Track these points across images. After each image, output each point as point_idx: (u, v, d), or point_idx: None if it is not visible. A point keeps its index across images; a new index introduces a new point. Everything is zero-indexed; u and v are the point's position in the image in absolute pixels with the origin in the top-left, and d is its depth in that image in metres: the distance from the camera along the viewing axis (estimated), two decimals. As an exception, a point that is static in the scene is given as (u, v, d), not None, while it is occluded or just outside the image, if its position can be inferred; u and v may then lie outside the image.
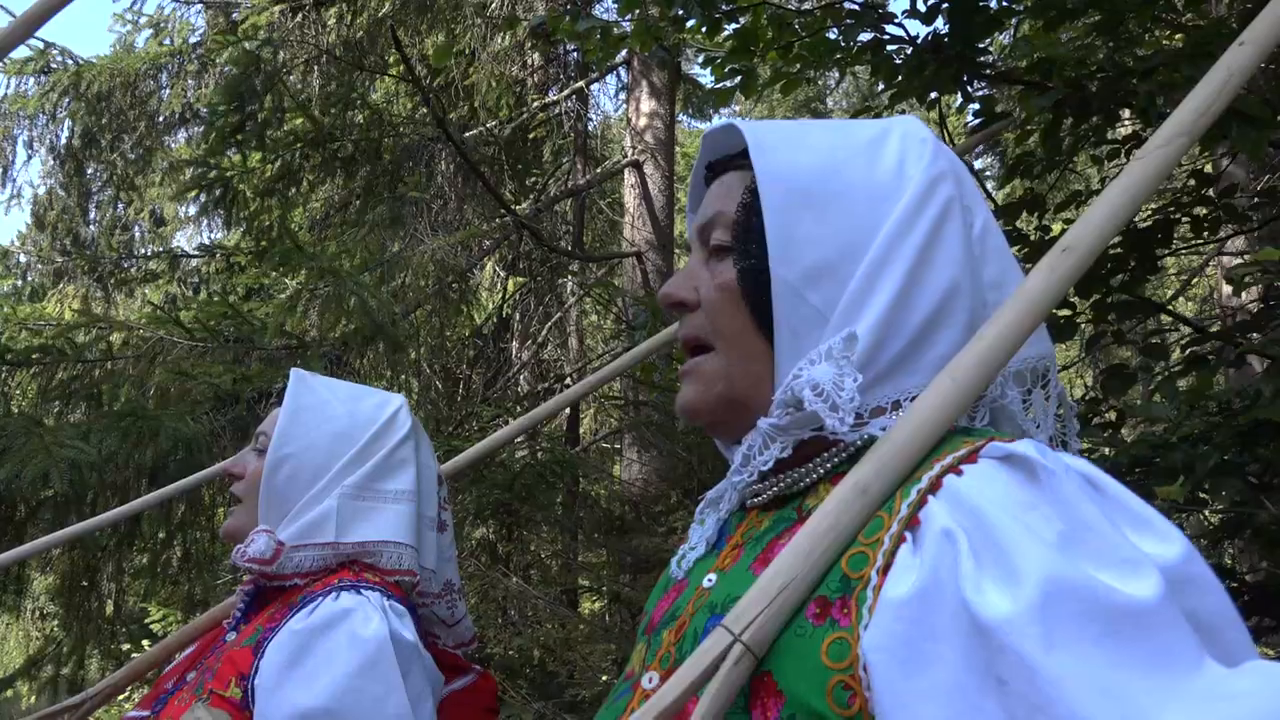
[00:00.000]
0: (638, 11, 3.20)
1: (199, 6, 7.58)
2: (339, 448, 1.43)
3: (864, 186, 0.81)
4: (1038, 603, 0.59)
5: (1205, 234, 2.81)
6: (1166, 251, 2.84)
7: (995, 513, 0.64)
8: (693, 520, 0.89)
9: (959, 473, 0.69)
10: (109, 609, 4.75)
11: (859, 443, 0.79)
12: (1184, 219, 2.77)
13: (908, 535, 0.67)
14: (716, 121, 0.94)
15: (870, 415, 0.79)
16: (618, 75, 8.34)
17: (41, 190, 10.14)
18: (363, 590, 1.33)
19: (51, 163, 8.99)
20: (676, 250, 8.05)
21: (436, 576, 1.50)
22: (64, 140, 8.45)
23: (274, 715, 1.23)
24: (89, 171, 9.12)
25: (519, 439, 5.54)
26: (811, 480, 0.81)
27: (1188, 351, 2.58)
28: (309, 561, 1.37)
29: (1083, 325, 2.68)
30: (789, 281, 0.79)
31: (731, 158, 0.90)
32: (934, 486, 0.69)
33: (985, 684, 0.59)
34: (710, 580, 0.82)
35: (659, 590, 0.92)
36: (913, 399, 0.76)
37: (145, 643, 9.15)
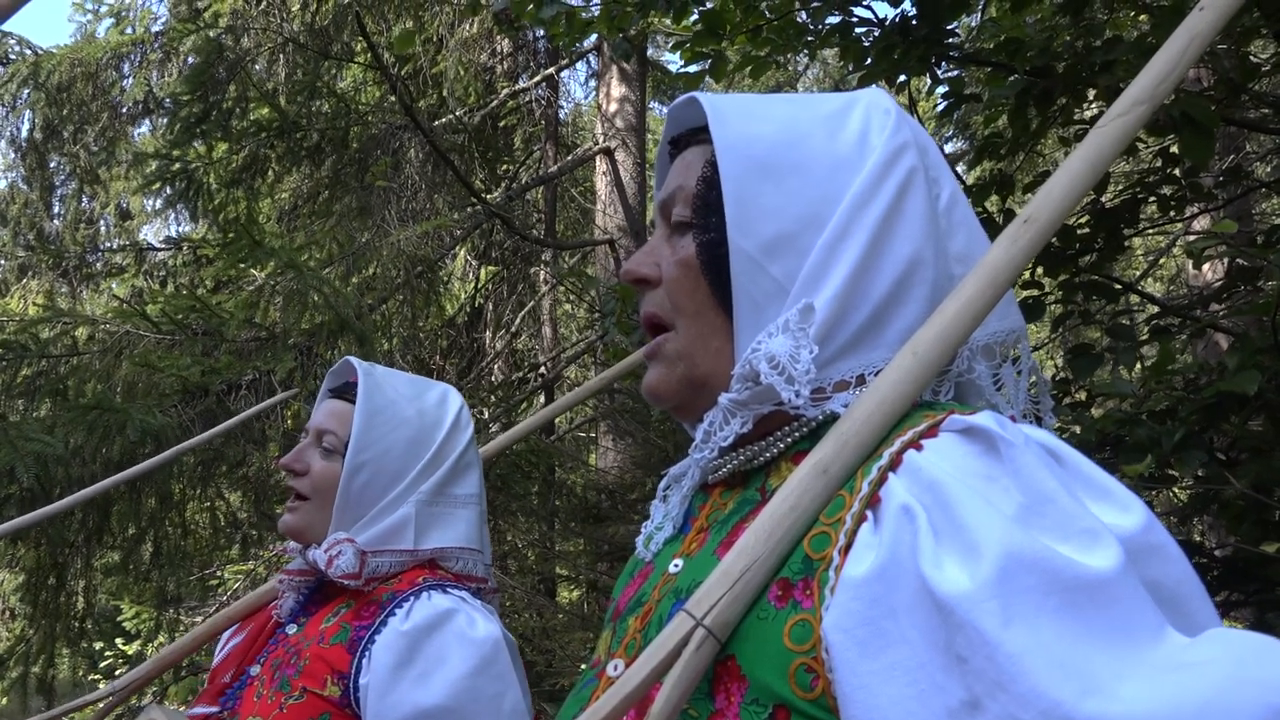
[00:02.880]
0: (604, -6, 3.16)
1: (161, -6, 7.46)
2: (414, 453, 1.46)
3: (825, 157, 0.80)
4: (995, 577, 0.58)
5: (1172, 213, 2.83)
6: (1133, 231, 2.85)
7: (954, 486, 0.63)
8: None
9: (919, 448, 0.68)
10: (79, 606, 4.68)
11: (820, 418, 0.77)
12: (1151, 199, 2.78)
13: (869, 514, 0.66)
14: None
15: (834, 389, 0.77)
16: (588, 62, 8.29)
17: (3, 184, 9.98)
18: (449, 590, 1.38)
19: (12, 156, 8.84)
20: (649, 237, 8.01)
21: (492, 571, 1.55)
22: (25, 133, 8.31)
23: (391, 716, 1.27)
24: (52, 165, 8.98)
25: (492, 429, 5.53)
26: (771, 455, 0.80)
27: (1151, 324, 2.61)
28: (385, 566, 1.42)
29: (1051, 305, 2.69)
30: (748, 253, 0.78)
31: (694, 132, 0.88)
32: (895, 463, 0.67)
33: (947, 662, 0.58)
34: (677, 565, 0.81)
35: (625, 576, 0.91)
36: (877, 373, 0.75)
37: (119, 641, 9.06)
